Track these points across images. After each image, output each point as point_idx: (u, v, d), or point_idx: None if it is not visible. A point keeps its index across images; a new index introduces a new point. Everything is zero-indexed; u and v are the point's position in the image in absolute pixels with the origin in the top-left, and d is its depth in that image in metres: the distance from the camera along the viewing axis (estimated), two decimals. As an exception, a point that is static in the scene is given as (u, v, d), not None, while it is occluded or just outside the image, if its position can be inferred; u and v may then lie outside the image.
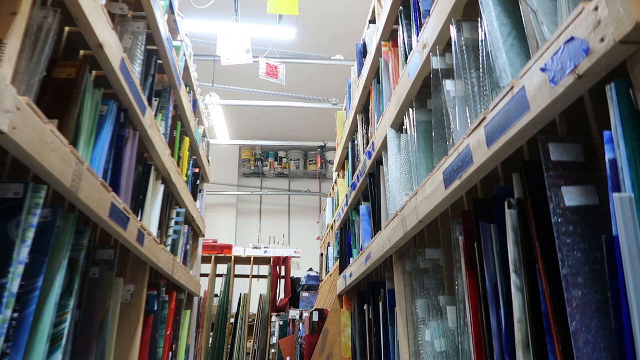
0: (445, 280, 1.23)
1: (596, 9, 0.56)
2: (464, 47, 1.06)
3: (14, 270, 0.88)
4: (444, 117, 1.18)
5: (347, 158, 2.87)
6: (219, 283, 4.99)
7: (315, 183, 8.34)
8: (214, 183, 7.25)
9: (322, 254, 4.68)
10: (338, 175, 3.34)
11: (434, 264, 1.31)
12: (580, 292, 0.65)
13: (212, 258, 5.00)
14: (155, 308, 1.92)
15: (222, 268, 5.12)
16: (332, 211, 3.65)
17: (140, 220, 1.63)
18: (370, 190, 2.00)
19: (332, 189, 3.81)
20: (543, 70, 0.66)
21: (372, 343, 1.95)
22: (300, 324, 3.90)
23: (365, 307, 2.12)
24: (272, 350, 4.50)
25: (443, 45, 1.19)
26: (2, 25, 0.89)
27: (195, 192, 3.01)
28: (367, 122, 2.26)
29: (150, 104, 1.82)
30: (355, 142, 2.51)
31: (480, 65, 0.98)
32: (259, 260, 5.19)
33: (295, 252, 5.42)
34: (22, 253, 0.90)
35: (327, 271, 3.98)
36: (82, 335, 1.27)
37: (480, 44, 0.98)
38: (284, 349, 3.89)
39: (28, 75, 1.07)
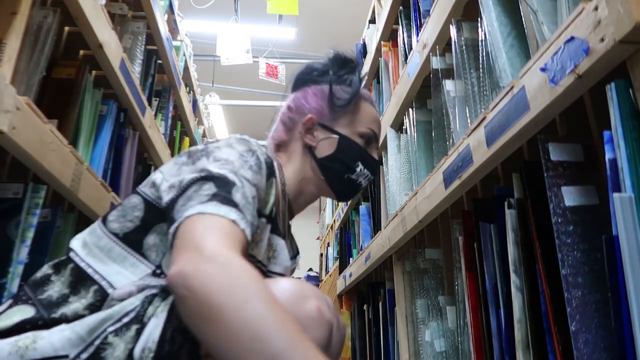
0: (445, 280, 1.23)
1: (596, 9, 0.56)
2: (464, 47, 1.05)
3: (13, 270, 0.88)
4: (444, 117, 1.18)
5: (347, 158, 2.87)
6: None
7: (315, 183, 8.34)
8: (213, 183, 7.23)
9: (322, 254, 4.68)
10: (338, 175, 3.33)
11: (434, 264, 1.31)
12: (580, 292, 0.64)
13: (212, 258, 4.99)
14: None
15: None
16: (332, 211, 3.65)
17: (140, 221, 1.63)
18: (370, 190, 2.00)
19: (332, 189, 3.81)
20: (543, 70, 0.66)
21: (372, 343, 1.95)
22: (300, 324, 3.89)
23: (365, 307, 2.12)
24: (272, 351, 4.49)
25: (443, 45, 1.19)
26: (2, 25, 0.89)
27: (195, 192, 3.00)
28: (367, 122, 2.26)
29: (150, 104, 1.82)
30: (355, 142, 2.51)
31: (480, 65, 0.98)
32: (258, 261, 5.18)
33: (295, 252, 5.41)
34: (22, 253, 0.90)
35: (327, 271, 3.98)
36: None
37: (480, 44, 0.98)
38: (283, 349, 3.87)
39: (28, 75, 1.07)
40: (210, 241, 0.56)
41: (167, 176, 0.71)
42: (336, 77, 0.95)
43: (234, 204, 0.62)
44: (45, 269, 0.68)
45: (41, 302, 0.63)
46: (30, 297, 0.64)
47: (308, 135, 0.92)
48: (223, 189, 0.63)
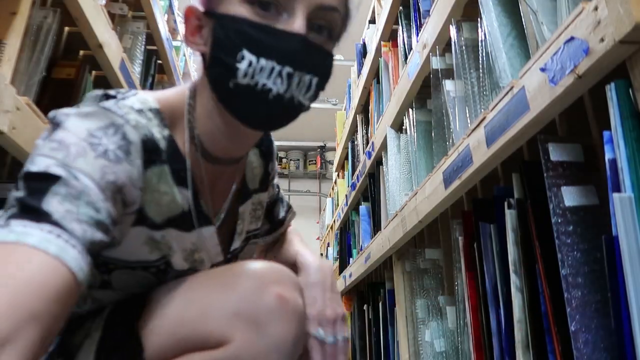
0: (445, 280, 1.23)
1: (596, 9, 0.56)
2: (464, 47, 1.06)
3: (13, 270, 0.88)
4: (443, 117, 1.18)
5: (347, 158, 2.87)
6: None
7: (315, 183, 8.34)
8: (213, 183, 7.23)
9: (322, 254, 4.68)
10: (338, 175, 3.34)
11: (434, 264, 1.31)
12: (580, 292, 0.65)
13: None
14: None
15: (222, 268, 5.11)
16: (332, 211, 3.65)
17: (140, 221, 1.63)
18: (370, 191, 2.00)
19: (332, 189, 3.81)
20: (543, 70, 0.66)
21: (372, 343, 1.95)
22: (300, 324, 3.89)
23: (365, 307, 2.12)
24: (272, 351, 4.49)
25: (443, 45, 1.19)
26: (2, 25, 0.89)
27: (195, 192, 3.00)
28: (367, 122, 2.26)
29: (150, 104, 1.81)
30: (355, 143, 2.51)
31: (480, 66, 0.98)
32: (258, 261, 5.17)
33: (295, 252, 5.40)
34: (22, 253, 0.89)
35: (327, 271, 3.97)
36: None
37: (480, 44, 0.98)
38: (283, 349, 3.87)
39: (28, 75, 1.07)
40: None
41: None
42: None
43: (45, 217, 0.44)
44: None
45: None
46: None
47: (192, 37, 0.60)
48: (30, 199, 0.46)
